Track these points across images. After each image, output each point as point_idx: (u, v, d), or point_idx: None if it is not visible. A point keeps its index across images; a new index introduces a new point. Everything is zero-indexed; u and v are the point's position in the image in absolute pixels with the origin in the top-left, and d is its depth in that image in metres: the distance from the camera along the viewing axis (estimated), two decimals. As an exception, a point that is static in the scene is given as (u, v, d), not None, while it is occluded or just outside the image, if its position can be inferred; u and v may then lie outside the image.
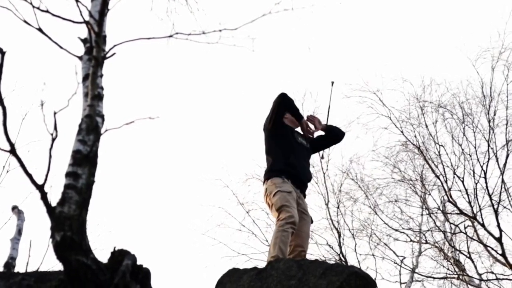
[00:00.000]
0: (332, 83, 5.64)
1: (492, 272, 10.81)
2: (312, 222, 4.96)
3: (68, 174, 1.78)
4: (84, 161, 1.77)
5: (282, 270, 3.56)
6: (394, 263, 11.91)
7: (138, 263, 1.91)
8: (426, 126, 10.53)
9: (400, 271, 12.03)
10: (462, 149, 10.09)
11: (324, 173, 12.90)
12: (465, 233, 10.24)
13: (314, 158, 10.72)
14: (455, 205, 10.10)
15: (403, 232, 11.80)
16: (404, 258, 12.14)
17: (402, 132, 10.69)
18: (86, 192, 1.77)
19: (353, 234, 12.39)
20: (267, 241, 12.08)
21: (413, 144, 10.50)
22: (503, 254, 9.62)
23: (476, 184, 9.82)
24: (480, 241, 10.22)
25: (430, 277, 11.47)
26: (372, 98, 11.20)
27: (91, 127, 1.85)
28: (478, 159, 9.81)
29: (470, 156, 9.92)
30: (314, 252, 12.35)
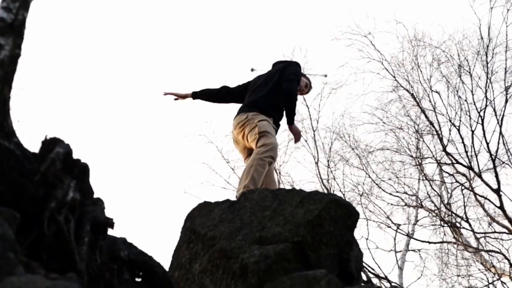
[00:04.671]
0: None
1: (490, 232, 10.86)
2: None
3: (-12, 46, 1.61)
4: (8, 30, 1.60)
5: (256, 200, 3.45)
6: (388, 226, 11.88)
7: (75, 157, 1.75)
8: (420, 71, 10.38)
9: (395, 238, 12.03)
10: (459, 96, 9.97)
11: (314, 131, 12.78)
12: (461, 185, 10.20)
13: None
14: (450, 154, 10.03)
15: (397, 196, 11.76)
16: (400, 225, 12.13)
17: (394, 77, 10.55)
18: (9, 65, 1.60)
19: (343, 194, 12.34)
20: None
21: (406, 90, 10.37)
22: (501, 207, 9.62)
23: (473, 132, 9.73)
24: (476, 194, 10.19)
25: (426, 241, 11.48)
26: (363, 41, 11.01)
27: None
28: (475, 104, 9.70)
29: (466, 101, 9.81)
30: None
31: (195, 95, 5.36)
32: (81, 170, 1.73)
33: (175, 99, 5.39)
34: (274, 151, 4.47)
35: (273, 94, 4.90)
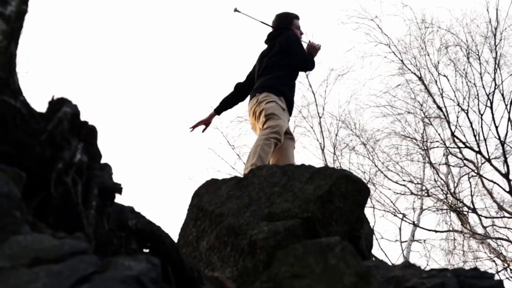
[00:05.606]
0: (235, 9, 5.61)
1: (498, 217, 10.79)
2: (294, 148, 4.99)
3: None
4: (13, -15, 1.55)
5: (265, 177, 3.41)
6: (394, 215, 11.83)
7: (83, 119, 1.71)
8: (428, 54, 10.28)
9: (400, 228, 11.98)
10: (468, 80, 9.86)
11: (319, 117, 12.71)
12: (472, 170, 10.11)
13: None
14: (458, 138, 9.95)
15: (403, 185, 11.69)
16: (405, 215, 12.07)
17: (402, 61, 10.44)
18: (16, 21, 1.55)
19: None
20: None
21: (413, 73, 10.27)
22: (511, 192, 9.55)
23: (482, 115, 9.64)
24: (485, 178, 10.12)
25: (433, 230, 11.43)
26: (370, 25, 10.90)
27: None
28: (484, 87, 9.59)
29: (475, 85, 9.69)
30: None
31: (219, 111, 5.37)
32: (89, 132, 1.69)
33: (204, 130, 5.35)
34: (279, 132, 4.48)
35: (281, 72, 4.89)
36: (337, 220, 3.09)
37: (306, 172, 3.26)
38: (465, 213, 11.14)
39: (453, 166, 11.63)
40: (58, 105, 1.61)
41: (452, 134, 9.99)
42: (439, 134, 10.52)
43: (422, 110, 10.83)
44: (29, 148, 1.52)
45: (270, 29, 5.36)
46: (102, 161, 1.85)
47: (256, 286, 1.66)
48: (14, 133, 1.50)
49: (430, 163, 11.46)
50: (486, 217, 10.53)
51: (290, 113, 4.96)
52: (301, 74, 5.77)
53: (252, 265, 3.00)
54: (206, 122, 5.31)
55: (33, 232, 1.36)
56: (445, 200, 11.23)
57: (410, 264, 2.65)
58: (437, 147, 10.82)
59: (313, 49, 5.11)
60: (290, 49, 4.91)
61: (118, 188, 1.79)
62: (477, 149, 9.82)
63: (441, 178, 11.47)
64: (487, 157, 9.79)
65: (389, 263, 2.81)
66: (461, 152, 10.71)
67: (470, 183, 11.23)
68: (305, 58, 4.91)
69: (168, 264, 2.07)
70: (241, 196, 3.35)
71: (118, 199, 1.93)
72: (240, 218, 3.17)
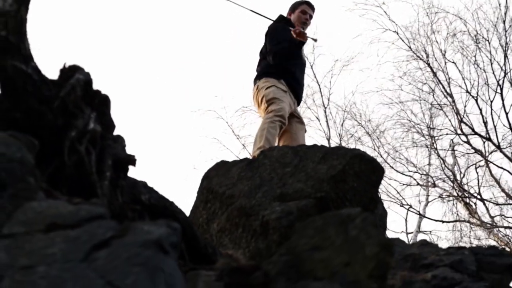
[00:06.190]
0: None
1: (506, 204, 10.73)
2: (305, 131, 4.93)
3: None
4: None
5: (276, 158, 3.36)
6: (401, 206, 11.73)
7: (95, 88, 1.67)
8: (436, 41, 10.19)
9: (406, 219, 11.89)
10: (477, 64, 9.75)
11: (325, 108, 12.65)
12: (478, 160, 10.02)
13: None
14: (467, 125, 9.87)
15: (409, 176, 11.61)
16: (411, 206, 11.97)
17: (410, 47, 10.36)
18: (25, -15, 1.50)
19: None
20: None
21: (421, 59, 10.17)
22: (521, 178, 9.48)
23: (492, 101, 9.54)
24: (491, 163, 10.03)
25: (440, 220, 11.36)
26: (377, 11, 10.82)
27: None
28: (493, 72, 9.50)
29: (484, 70, 9.60)
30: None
31: None
32: (102, 102, 1.65)
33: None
34: (283, 115, 4.47)
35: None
36: (350, 200, 3.04)
37: (319, 152, 3.21)
38: (473, 202, 11.08)
39: (460, 156, 11.54)
40: (70, 72, 1.56)
41: (461, 120, 9.90)
42: (449, 120, 10.43)
43: (430, 95, 10.73)
44: (41, 115, 1.48)
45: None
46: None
47: (274, 259, 1.62)
48: (25, 100, 1.47)
49: (437, 152, 11.39)
50: (495, 203, 10.44)
51: (297, 95, 4.89)
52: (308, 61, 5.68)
53: (265, 246, 2.96)
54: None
55: (48, 199, 1.32)
56: (452, 190, 11.17)
57: (427, 243, 2.61)
58: (446, 134, 10.73)
59: (298, 35, 4.93)
60: (265, 42, 4.94)
61: (132, 160, 1.75)
62: (487, 136, 9.73)
63: (448, 168, 11.40)
64: (496, 144, 9.70)
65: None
66: (468, 142, 10.63)
67: (477, 173, 11.16)
68: (270, 52, 4.83)
69: (182, 240, 2.04)
70: (252, 177, 3.31)
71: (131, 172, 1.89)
72: (252, 199, 3.12)
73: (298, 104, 5.03)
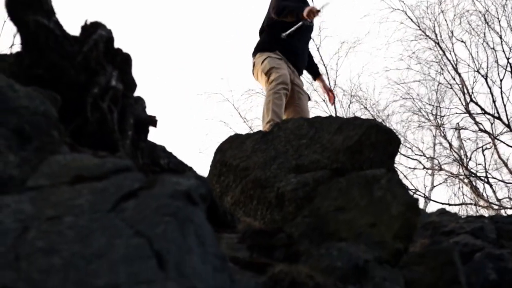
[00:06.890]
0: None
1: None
2: (309, 99, 4.87)
3: None
4: None
5: (291, 129, 3.32)
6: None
7: (117, 46, 1.64)
8: (445, 19, 10.09)
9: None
10: (487, 43, 9.64)
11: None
12: (489, 135, 9.93)
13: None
14: (477, 104, 9.78)
15: (415, 159, 11.53)
16: (417, 190, 11.88)
17: (418, 26, 10.26)
18: None
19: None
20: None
21: (430, 38, 10.07)
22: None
23: (502, 80, 9.45)
24: (501, 142, 9.93)
25: (446, 203, 11.29)
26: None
27: None
28: (504, 51, 9.40)
29: (494, 49, 9.50)
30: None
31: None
32: (124, 60, 1.62)
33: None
34: (284, 82, 4.42)
35: (269, 30, 4.81)
36: (367, 171, 3.01)
37: (334, 123, 3.17)
38: (481, 184, 11.02)
39: (466, 140, 11.43)
40: (92, 28, 1.54)
41: (470, 99, 9.83)
42: (459, 98, 10.34)
43: (438, 74, 10.60)
44: (63, 71, 1.46)
45: None
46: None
47: (297, 221, 1.61)
48: (47, 56, 1.44)
49: (444, 135, 11.32)
50: (505, 182, 10.37)
51: (295, 65, 4.75)
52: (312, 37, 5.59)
53: (281, 218, 2.94)
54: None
55: (72, 152, 1.30)
56: (459, 173, 11.10)
57: (445, 211, 2.59)
58: (455, 113, 10.63)
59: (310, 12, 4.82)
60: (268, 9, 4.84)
61: (153, 121, 1.72)
62: (497, 115, 9.66)
63: (455, 151, 11.33)
64: (506, 123, 9.63)
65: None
66: (476, 123, 10.54)
67: (484, 155, 11.07)
68: (275, 7, 4.70)
69: (202, 206, 2.02)
70: (266, 150, 3.28)
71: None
72: (267, 171, 3.10)
73: (300, 74, 4.93)
